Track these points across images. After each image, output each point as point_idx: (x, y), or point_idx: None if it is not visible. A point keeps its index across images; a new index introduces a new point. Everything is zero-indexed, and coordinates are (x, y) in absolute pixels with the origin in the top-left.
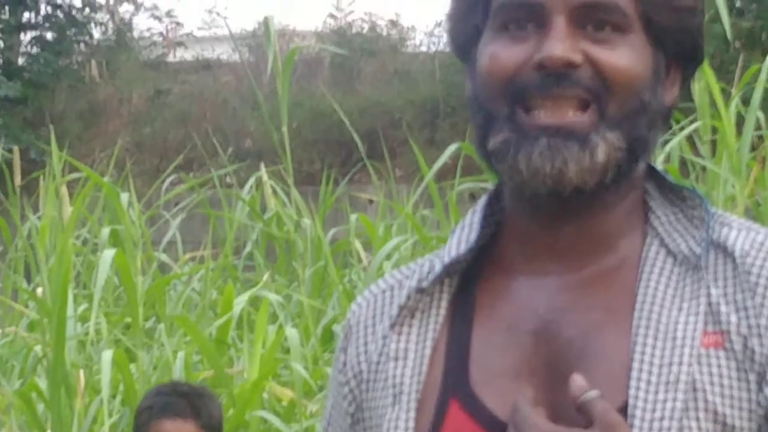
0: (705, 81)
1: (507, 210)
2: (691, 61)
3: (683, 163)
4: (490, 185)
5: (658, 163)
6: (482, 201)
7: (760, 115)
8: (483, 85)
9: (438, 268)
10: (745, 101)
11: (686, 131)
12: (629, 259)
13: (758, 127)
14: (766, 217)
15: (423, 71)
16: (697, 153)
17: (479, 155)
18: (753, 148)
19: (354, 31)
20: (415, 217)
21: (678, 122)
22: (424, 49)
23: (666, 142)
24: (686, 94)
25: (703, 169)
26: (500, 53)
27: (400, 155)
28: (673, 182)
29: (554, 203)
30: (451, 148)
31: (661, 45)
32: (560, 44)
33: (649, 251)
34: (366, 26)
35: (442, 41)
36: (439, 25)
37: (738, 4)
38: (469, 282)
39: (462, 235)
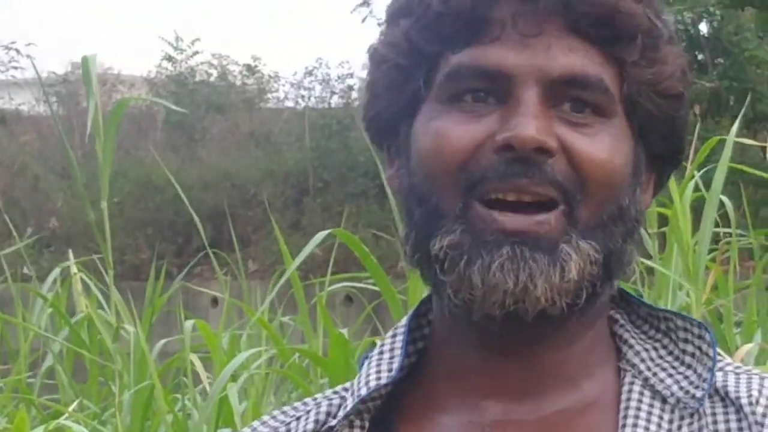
0: None
1: (437, 332)
2: (669, 163)
3: None
4: (372, 285)
5: None
6: (404, 321)
7: (725, 199)
8: (425, 171)
9: (350, 403)
10: (706, 183)
11: None
12: (600, 401)
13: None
14: (728, 334)
15: (288, 133)
16: (643, 249)
17: (411, 261)
18: (714, 244)
19: (198, 78)
20: (272, 325)
21: None
22: (290, 104)
23: None
24: None
25: (649, 270)
26: (451, 131)
27: (254, 243)
28: (653, 307)
29: (507, 330)
30: (321, 234)
31: (643, 137)
32: (534, 122)
33: (630, 393)
34: (214, 73)
35: (313, 95)
36: (310, 73)
37: (700, 57)
38: (382, 422)
39: (382, 364)
